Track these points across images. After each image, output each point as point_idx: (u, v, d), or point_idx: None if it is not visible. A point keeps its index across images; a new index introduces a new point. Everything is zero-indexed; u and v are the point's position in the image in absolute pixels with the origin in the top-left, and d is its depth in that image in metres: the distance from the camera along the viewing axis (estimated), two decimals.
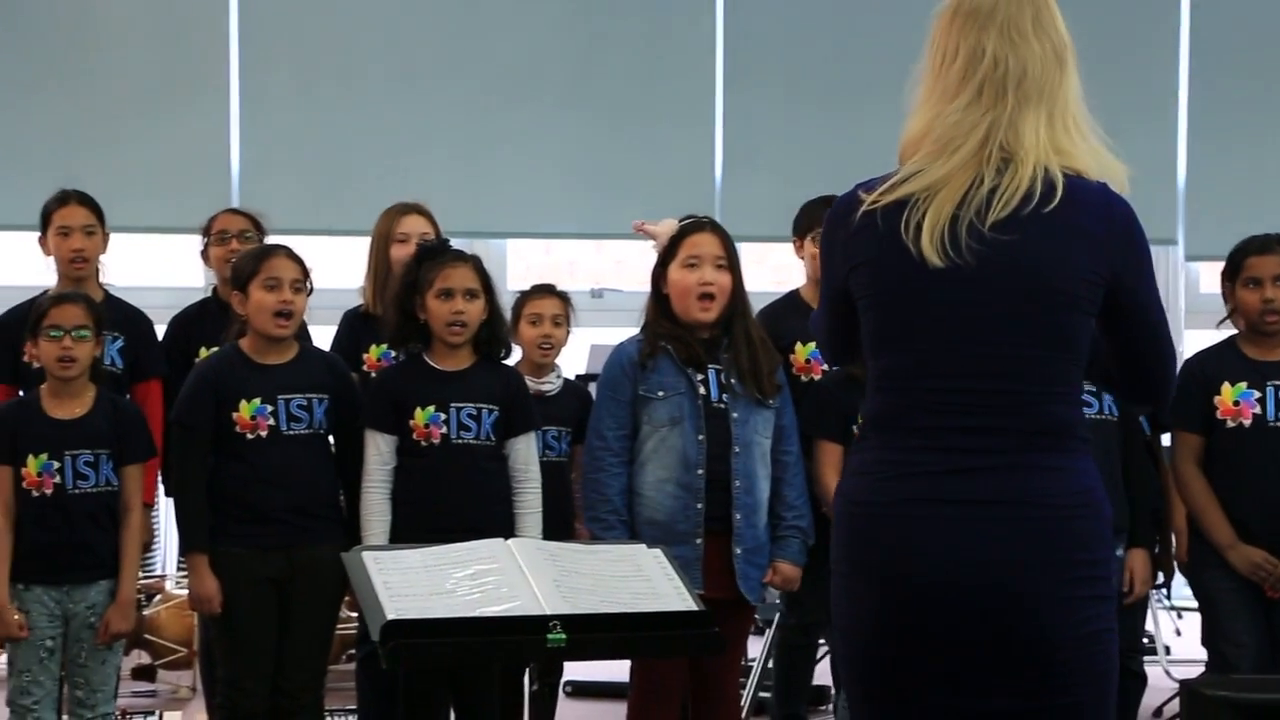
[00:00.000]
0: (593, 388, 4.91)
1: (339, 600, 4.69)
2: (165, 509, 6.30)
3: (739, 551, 4.52)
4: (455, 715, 4.66)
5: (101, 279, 5.35)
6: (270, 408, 4.56)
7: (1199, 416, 4.78)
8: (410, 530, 4.41)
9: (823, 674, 5.84)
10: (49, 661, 4.53)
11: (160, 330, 5.42)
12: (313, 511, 4.59)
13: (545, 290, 5.12)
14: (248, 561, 4.54)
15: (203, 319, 5.35)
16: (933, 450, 2.70)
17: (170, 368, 5.23)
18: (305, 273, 4.66)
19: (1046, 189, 2.66)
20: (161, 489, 5.32)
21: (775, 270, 6.30)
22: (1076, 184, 2.70)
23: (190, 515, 4.61)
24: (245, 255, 4.82)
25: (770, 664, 5.66)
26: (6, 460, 4.54)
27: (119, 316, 5.16)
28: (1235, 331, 4.88)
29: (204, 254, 5.57)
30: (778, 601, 5.24)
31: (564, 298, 5.11)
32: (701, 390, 4.52)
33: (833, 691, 5.65)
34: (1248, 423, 4.73)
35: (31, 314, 4.65)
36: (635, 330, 4.67)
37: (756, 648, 5.94)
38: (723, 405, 4.53)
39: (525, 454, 4.63)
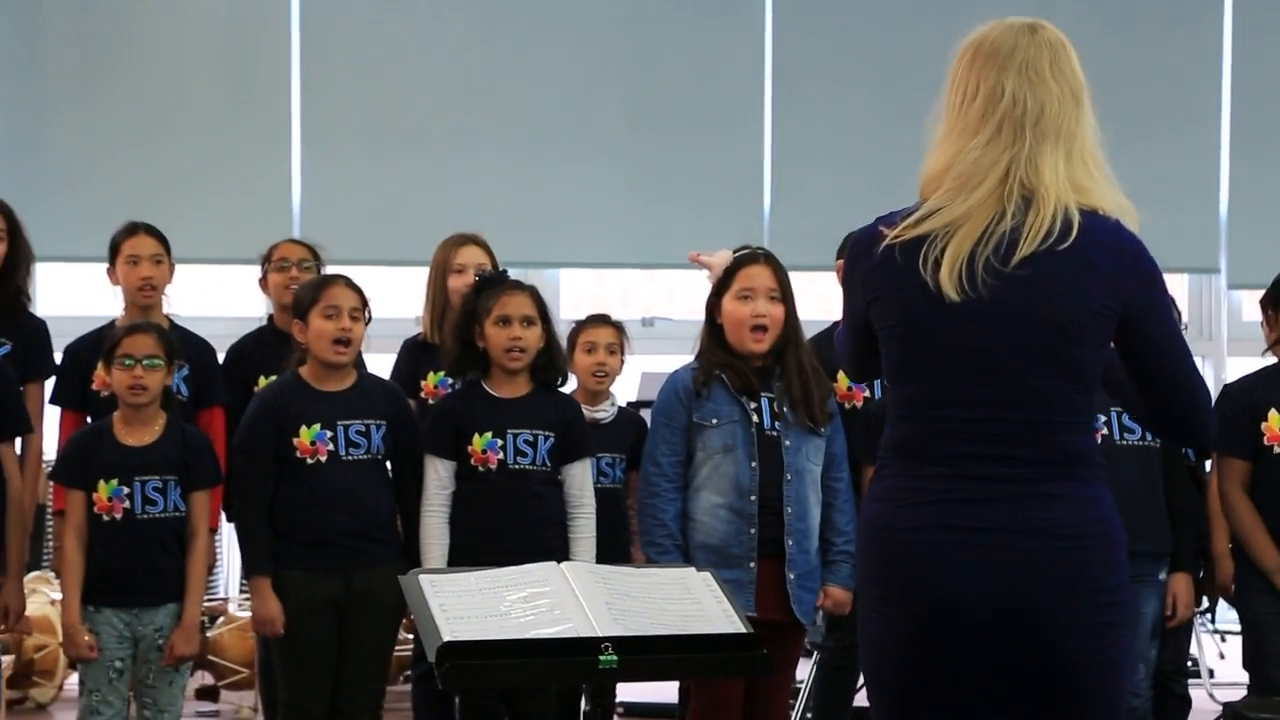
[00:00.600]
0: (645, 414, 4.92)
1: (397, 622, 4.70)
2: (227, 534, 6.33)
3: (792, 576, 4.51)
4: None
5: (166, 309, 5.39)
6: (329, 433, 4.58)
7: (1246, 442, 4.78)
8: (467, 553, 4.43)
9: (863, 697, 5.82)
10: (118, 682, 4.54)
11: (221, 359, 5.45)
12: (371, 535, 4.60)
13: (600, 320, 5.12)
14: (308, 584, 4.55)
15: (260, 347, 5.37)
16: (952, 478, 2.74)
17: (232, 395, 5.25)
18: (364, 302, 4.68)
19: (1065, 227, 2.69)
20: (224, 514, 5.35)
21: (820, 299, 6.30)
22: (1092, 220, 2.73)
23: (253, 539, 4.63)
24: (306, 285, 4.85)
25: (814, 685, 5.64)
26: (79, 485, 4.57)
27: (184, 345, 5.15)
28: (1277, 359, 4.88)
29: (262, 281, 5.58)
30: (821, 625, 5.24)
31: (619, 327, 5.11)
32: (754, 418, 4.53)
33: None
34: None
35: (104, 343, 4.68)
36: (686, 358, 4.68)
37: (804, 670, 5.93)
38: (775, 433, 4.53)
39: (580, 480, 4.64)
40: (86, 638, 4.52)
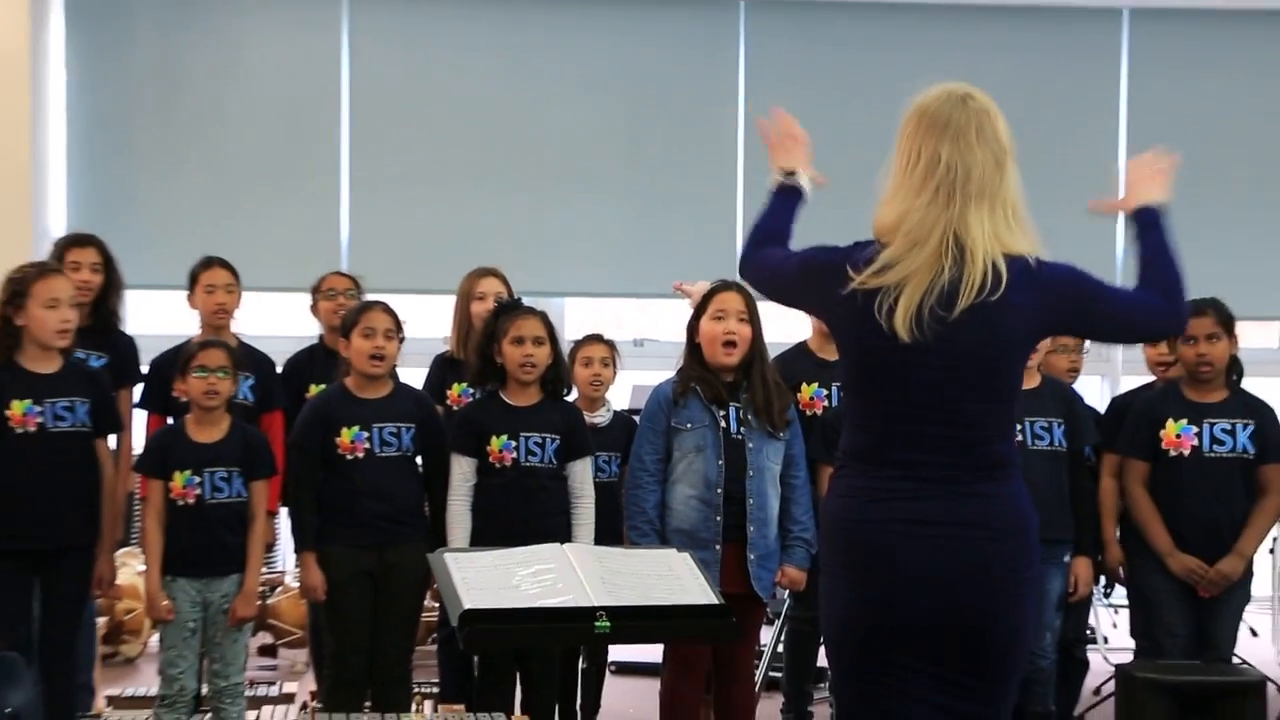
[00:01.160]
0: (637, 419, 4.93)
1: (423, 591, 4.69)
2: (284, 518, 6.31)
3: (752, 557, 4.52)
4: (521, 688, 4.65)
5: (233, 328, 5.38)
6: (366, 434, 4.58)
7: (1147, 446, 4.79)
8: (485, 536, 4.42)
9: (824, 657, 5.83)
10: (191, 640, 4.54)
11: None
12: (400, 518, 4.59)
13: (595, 338, 5.11)
14: (348, 558, 4.55)
15: (311, 362, 5.38)
16: (905, 479, 2.83)
17: (288, 401, 5.27)
18: (398, 324, 4.67)
19: (995, 280, 2.78)
20: (281, 500, 5.34)
21: (784, 324, 6.30)
22: (1012, 266, 2.80)
23: (302, 520, 4.63)
24: (350, 309, 4.85)
25: (780, 649, 5.65)
26: (159, 475, 4.56)
27: (249, 359, 5.16)
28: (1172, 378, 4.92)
29: (314, 307, 5.58)
30: (786, 597, 5.24)
31: (610, 344, 5.10)
32: (723, 424, 4.53)
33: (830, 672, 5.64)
34: (1187, 453, 4.74)
35: (180, 356, 4.68)
36: (671, 374, 4.69)
37: (767, 635, 5.93)
38: (740, 436, 4.54)
39: (582, 475, 4.64)
40: (165, 603, 4.52)
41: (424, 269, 7.45)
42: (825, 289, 2.89)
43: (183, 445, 4.59)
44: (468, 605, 3.19)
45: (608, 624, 3.21)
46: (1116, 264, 8.06)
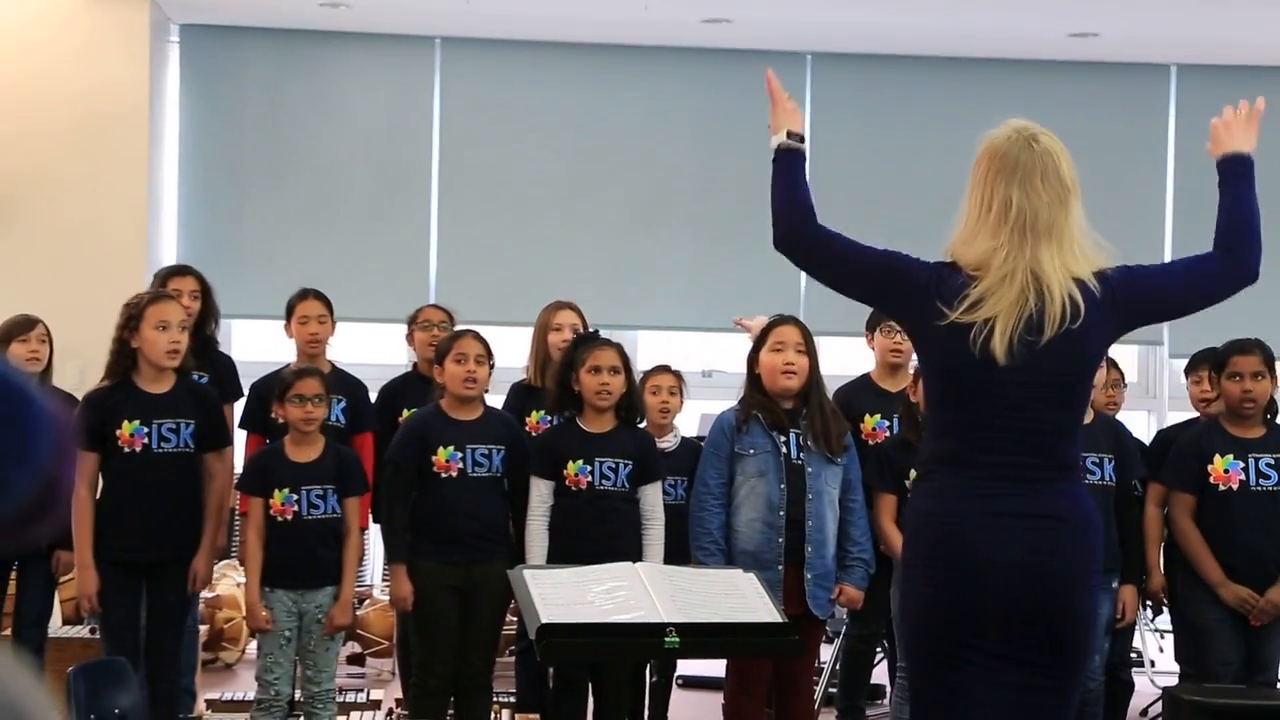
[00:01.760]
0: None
1: (506, 606, 4.68)
2: (373, 533, 6.34)
3: (809, 577, 4.48)
4: (593, 699, 4.64)
5: (328, 355, 5.42)
6: (460, 454, 4.58)
7: (1194, 480, 4.73)
8: (561, 554, 4.42)
9: (879, 675, 5.78)
10: (287, 648, 4.56)
11: (372, 396, 5.48)
12: (488, 536, 4.59)
13: (663, 369, 5.11)
14: (438, 572, 4.55)
15: (406, 388, 5.40)
16: (988, 479, 2.93)
17: (380, 424, 5.29)
18: (488, 350, 4.69)
19: (1073, 311, 2.90)
20: (371, 517, 5.37)
21: (842, 359, 6.27)
22: (1084, 293, 2.92)
23: (395, 533, 4.64)
24: (445, 337, 4.88)
25: (838, 666, 5.61)
26: (259, 493, 4.60)
27: (342, 384, 5.22)
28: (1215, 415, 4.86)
29: (409, 337, 5.63)
30: (844, 617, 5.20)
31: (677, 374, 5.10)
32: (784, 449, 4.51)
33: (887, 688, 5.59)
34: (1234, 487, 4.68)
35: (278, 384, 4.72)
36: (735, 403, 4.68)
37: (827, 653, 5.89)
38: (800, 461, 4.51)
39: (652, 498, 4.62)
40: (264, 613, 4.55)
41: (506, 302, 7.48)
42: (913, 310, 3.00)
43: (281, 465, 4.63)
44: (545, 619, 3.21)
45: (677, 639, 3.22)
46: None
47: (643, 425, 4.82)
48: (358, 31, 7.70)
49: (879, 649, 5.58)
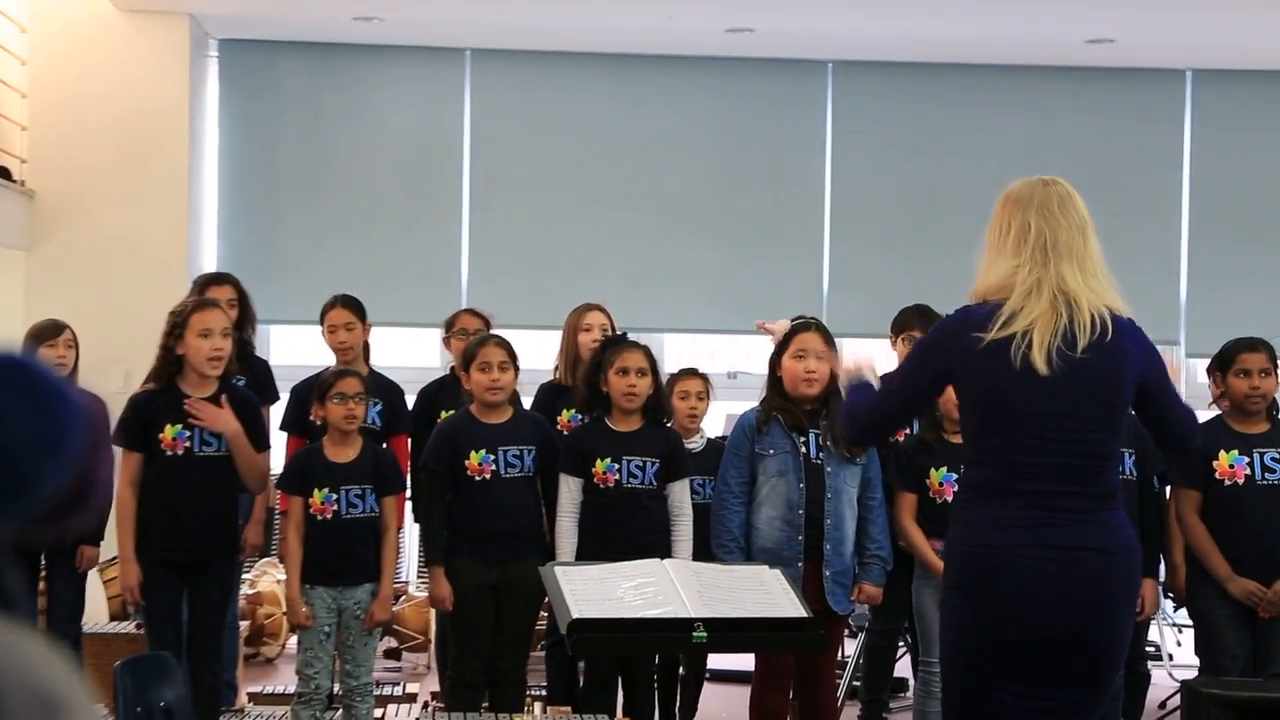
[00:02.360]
0: None
1: (540, 603, 4.67)
2: (409, 531, 6.37)
3: (828, 574, 4.47)
4: (623, 693, 4.64)
5: (368, 358, 5.45)
6: (492, 456, 4.59)
7: (1199, 476, 4.72)
8: (591, 551, 4.43)
9: (902, 668, 5.77)
10: (326, 643, 4.58)
11: (409, 398, 5.49)
12: (522, 535, 4.59)
13: (691, 372, 5.11)
14: (474, 571, 4.56)
15: (443, 391, 5.37)
16: (1032, 508, 2.90)
17: (418, 426, 5.28)
18: (512, 355, 4.67)
19: (1103, 325, 2.93)
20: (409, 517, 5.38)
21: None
22: (1117, 319, 2.97)
23: (432, 535, 4.65)
24: (468, 344, 4.88)
25: (861, 660, 5.60)
26: (299, 492, 4.62)
27: (379, 386, 5.22)
28: (1219, 411, 4.83)
29: (446, 341, 5.63)
30: (866, 611, 5.20)
31: (705, 378, 5.09)
32: (803, 450, 4.50)
33: (910, 681, 5.58)
34: (1240, 482, 4.66)
35: (318, 385, 4.74)
36: (758, 404, 4.68)
37: (851, 648, 5.89)
38: (819, 461, 4.50)
39: (680, 495, 4.63)
40: (304, 609, 4.57)
41: (535, 306, 7.51)
42: (952, 351, 3.00)
43: (320, 465, 4.64)
44: (576, 615, 3.22)
45: (704, 634, 3.23)
46: (1180, 317, 7.94)
47: (669, 424, 4.82)
48: (390, 44, 7.74)
49: (900, 643, 5.57)
